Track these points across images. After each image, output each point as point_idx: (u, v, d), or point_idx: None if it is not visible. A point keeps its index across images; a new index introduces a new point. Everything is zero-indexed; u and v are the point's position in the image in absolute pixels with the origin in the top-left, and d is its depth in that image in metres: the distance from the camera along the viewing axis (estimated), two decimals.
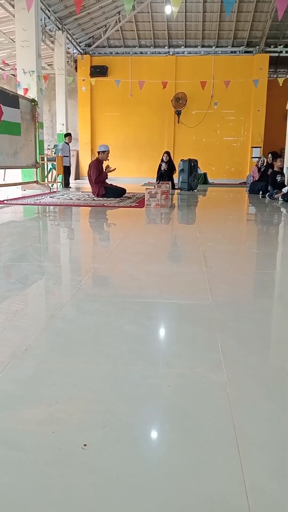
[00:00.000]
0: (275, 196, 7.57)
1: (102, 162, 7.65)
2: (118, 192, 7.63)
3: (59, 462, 0.95)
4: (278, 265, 3.14)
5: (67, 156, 11.24)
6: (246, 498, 0.86)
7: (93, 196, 7.67)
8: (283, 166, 8.13)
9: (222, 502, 0.85)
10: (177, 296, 2.21)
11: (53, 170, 11.13)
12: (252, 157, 14.38)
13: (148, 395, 1.23)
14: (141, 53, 14.85)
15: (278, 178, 7.80)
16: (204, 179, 12.73)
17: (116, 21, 13.94)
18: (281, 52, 14.36)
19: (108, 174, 7.66)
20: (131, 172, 14.73)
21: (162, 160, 10.76)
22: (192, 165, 10.09)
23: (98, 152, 7.75)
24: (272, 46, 14.43)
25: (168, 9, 12.70)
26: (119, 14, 13.56)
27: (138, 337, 1.66)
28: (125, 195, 7.77)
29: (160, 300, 2.14)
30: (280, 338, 1.77)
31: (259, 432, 1.08)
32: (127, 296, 2.21)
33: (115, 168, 7.66)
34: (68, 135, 11.60)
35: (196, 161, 10.45)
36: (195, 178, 10.26)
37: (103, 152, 7.65)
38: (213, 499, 0.86)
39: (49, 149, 13.59)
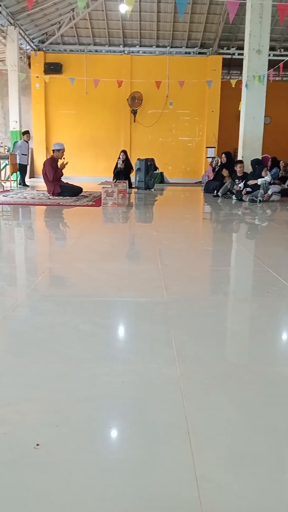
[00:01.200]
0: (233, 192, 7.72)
1: (57, 160, 7.55)
2: (74, 191, 7.55)
3: (11, 463, 0.94)
4: (231, 262, 3.22)
5: (26, 155, 10.99)
6: (197, 488, 0.88)
7: (49, 195, 7.56)
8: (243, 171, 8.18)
9: (174, 493, 0.87)
10: (133, 294, 2.23)
11: (8, 167, 10.85)
12: (207, 157, 14.63)
13: (103, 393, 1.23)
14: (96, 51, 14.74)
15: (237, 182, 7.91)
16: (160, 178, 12.84)
17: (70, 18, 13.77)
18: (233, 54, 14.69)
19: (63, 171, 7.58)
20: (88, 171, 14.61)
21: (119, 159, 10.76)
22: (148, 164, 10.15)
23: (53, 150, 7.65)
24: (225, 48, 14.73)
25: (123, 8, 12.69)
26: (73, 11, 13.40)
27: (94, 336, 1.66)
28: (82, 194, 7.71)
29: (115, 298, 2.15)
30: (232, 333, 1.82)
31: (210, 423, 1.11)
32: (83, 296, 2.20)
33: (68, 162, 7.58)
34: (26, 132, 11.33)
35: (152, 160, 10.51)
36: (151, 177, 10.33)
37: (58, 150, 7.55)
38: (165, 491, 0.88)
39: (1, 146, 13.24)
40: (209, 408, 1.17)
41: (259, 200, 7.04)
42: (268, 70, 9.13)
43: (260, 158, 8.82)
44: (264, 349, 1.62)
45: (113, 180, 10.38)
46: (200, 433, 1.06)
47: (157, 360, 1.45)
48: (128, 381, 1.30)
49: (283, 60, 9.82)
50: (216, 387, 1.28)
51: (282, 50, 13.94)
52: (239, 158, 9.04)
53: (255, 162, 7.79)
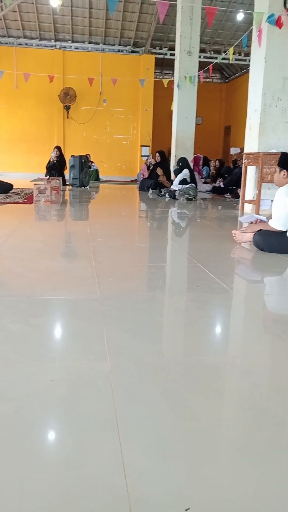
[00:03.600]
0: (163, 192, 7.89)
1: None
2: (4, 188, 7.31)
3: None
4: (164, 258, 3.29)
5: None
6: (124, 477, 0.90)
7: None
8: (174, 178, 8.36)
9: (103, 483, 0.88)
10: (65, 292, 2.21)
11: None
12: (142, 156, 14.78)
13: (31, 391, 1.22)
14: (27, 44, 14.32)
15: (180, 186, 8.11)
16: (96, 176, 12.77)
17: None
18: (166, 54, 14.94)
19: None
20: (19, 167, 14.17)
21: (52, 154, 10.53)
22: (83, 161, 10.04)
23: None
24: (157, 48, 14.94)
25: (53, 2, 12.42)
26: (1, 2, 12.92)
27: (23, 335, 1.63)
28: (12, 190, 7.48)
29: (48, 297, 2.12)
30: (162, 326, 1.87)
31: (139, 414, 1.13)
32: (13, 295, 2.15)
33: None
34: None
35: (87, 157, 10.42)
36: (86, 175, 10.24)
37: None
38: (94, 481, 0.89)
39: None
40: (138, 400, 1.20)
41: (192, 198, 7.25)
42: (198, 71, 9.39)
43: (192, 157, 9.09)
44: (193, 340, 1.68)
45: (46, 175, 10.16)
46: (129, 424, 1.08)
47: (87, 356, 1.46)
48: (58, 378, 1.30)
49: (212, 62, 10.14)
50: (145, 379, 1.32)
51: (212, 52, 14.40)
52: (172, 156, 9.25)
53: (178, 162, 8.19)
